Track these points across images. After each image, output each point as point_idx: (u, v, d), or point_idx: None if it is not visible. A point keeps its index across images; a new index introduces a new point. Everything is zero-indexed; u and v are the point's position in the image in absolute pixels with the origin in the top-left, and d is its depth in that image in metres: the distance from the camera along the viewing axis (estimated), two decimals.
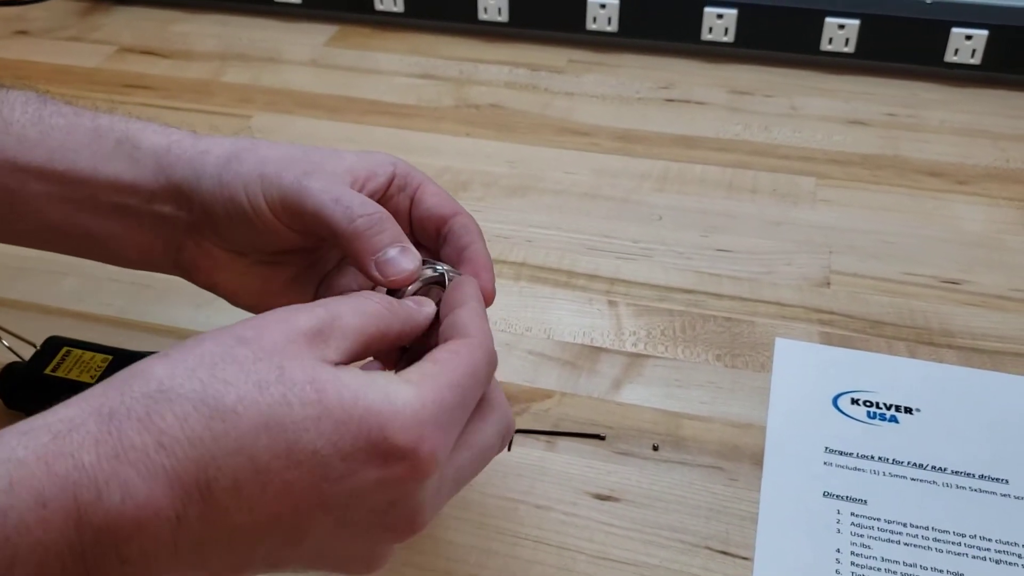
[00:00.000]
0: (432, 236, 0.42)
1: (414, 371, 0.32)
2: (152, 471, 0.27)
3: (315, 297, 0.44)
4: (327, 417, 0.29)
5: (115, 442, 0.27)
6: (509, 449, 0.49)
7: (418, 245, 0.42)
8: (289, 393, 0.29)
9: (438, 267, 0.39)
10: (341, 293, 0.43)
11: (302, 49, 0.90)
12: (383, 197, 0.41)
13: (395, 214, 0.41)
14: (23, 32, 0.93)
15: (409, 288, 0.38)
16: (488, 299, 0.39)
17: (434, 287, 0.39)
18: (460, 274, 0.39)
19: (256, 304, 0.44)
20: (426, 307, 0.37)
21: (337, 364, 0.31)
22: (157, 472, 0.27)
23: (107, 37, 0.91)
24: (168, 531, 0.27)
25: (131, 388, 0.29)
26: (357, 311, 0.33)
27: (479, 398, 0.35)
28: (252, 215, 0.39)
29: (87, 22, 0.94)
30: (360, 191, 0.40)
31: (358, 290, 0.43)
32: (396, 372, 0.32)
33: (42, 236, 0.44)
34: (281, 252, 0.42)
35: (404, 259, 0.37)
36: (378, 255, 0.37)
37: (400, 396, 0.30)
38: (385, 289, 0.38)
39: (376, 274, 0.37)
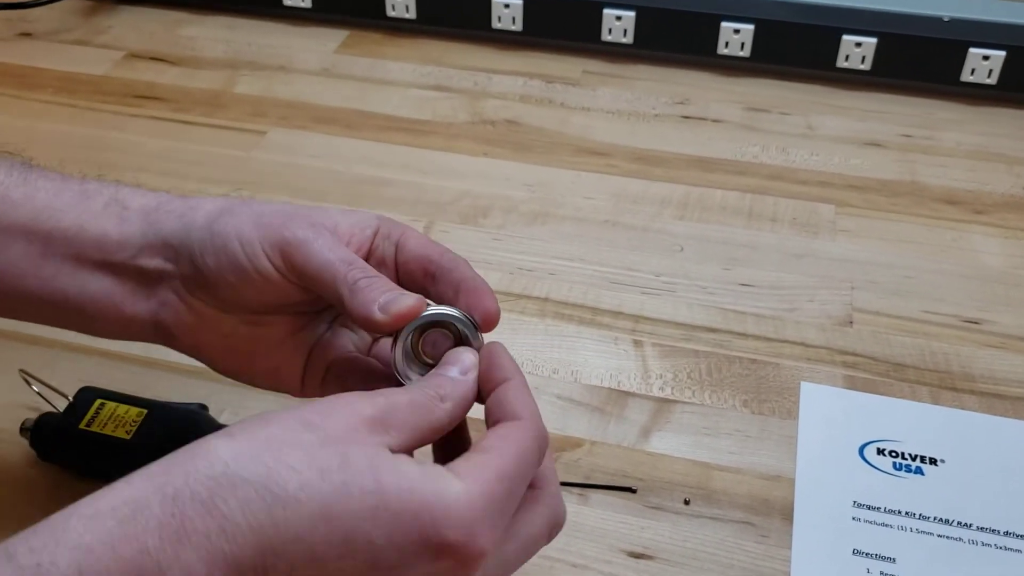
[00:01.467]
0: (419, 277, 0.41)
1: (464, 463, 0.32)
2: (213, 556, 0.28)
3: (307, 363, 0.43)
4: (384, 508, 0.30)
5: (178, 525, 0.28)
6: None
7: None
8: (350, 481, 0.30)
9: (440, 308, 0.39)
10: (339, 358, 0.42)
11: (313, 56, 0.88)
12: (369, 249, 0.41)
13: (381, 262, 0.41)
14: (27, 34, 0.91)
15: (408, 328, 0.37)
16: (494, 321, 0.39)
17: (440, 335, 0.39)
18: (466, 316, 0.39)
19: (240, 368, 0.43)
20: (470, 371, 0.37)
21: (395, 452, 0.32)
22: (217, 558, 0.28)
23: (113, 41, 0.90)
24: None
25: (196, 469, 0.29)
26: (413, 405, 0.34)
27: (529, 482, 0.35)
28: (247, 264, 0.38)
29: (92, 24, 0.92)
30: (347, 245, 0.40)
31: (355, 354, 0.43)
32: (445, 464, 0.33)
33: (16, 304, 0.42)
34: (270, 309, 0.41)
35: (405, 297, 0.37)
36: (380, 299, 0.37)
37: (453, 490, 0.31)
38: (392, 339, 0.38)
39: (380, 317, 0.36)
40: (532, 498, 0.36)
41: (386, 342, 0.42)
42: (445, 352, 0.39)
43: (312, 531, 0.29)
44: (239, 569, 0.28)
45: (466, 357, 0.37)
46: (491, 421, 0.36)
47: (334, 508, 0.29)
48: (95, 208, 0.41)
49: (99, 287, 0.41)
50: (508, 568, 0.35)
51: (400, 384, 0.38)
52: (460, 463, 0.32)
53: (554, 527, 0.36)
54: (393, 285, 0.38)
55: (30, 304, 0.42)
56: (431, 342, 0.39)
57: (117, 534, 0.27)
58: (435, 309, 0.38)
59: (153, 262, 0.41)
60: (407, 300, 0.37)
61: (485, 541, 0.31)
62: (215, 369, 0.43)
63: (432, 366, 0.39)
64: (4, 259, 0.41)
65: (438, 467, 0.32)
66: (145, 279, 0.41)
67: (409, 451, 0.34)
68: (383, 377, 0.41)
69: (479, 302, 0.39)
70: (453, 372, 0.37)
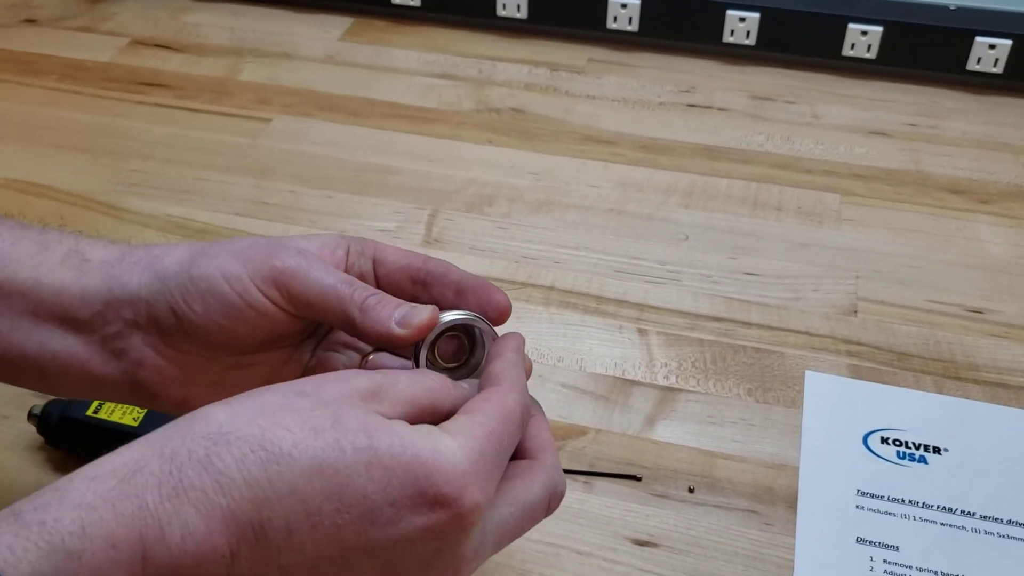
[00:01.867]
0: (407, 287, 0.41)
1: (452, 423, 0.33)
2: (210, 510, 0.29)
3: None
4: (377, 463, 0.30)
5: (176, 482, 0.29)
6: None
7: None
8: (342, 438, 0.30)
9: (458, 313, 0.39)
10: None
11: (318, 43, 0.88)
12: (345, 266, 0.41)
13: (361, 278, 0.41)
14: (31, 21, 0.91)
15: (429, 337, 0.38)
16: (507, 313, 0.40)
17: (453, 338, 0.40)
18: (480, 317, 0.39)
19: None
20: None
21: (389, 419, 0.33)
22: (214, 511, 0.29)
23: (118, 28, 0.90)
24: (223, 568, 0.29)
25: (192, 430, 0.30)
26: (414, 382, 0.35)
27: (516, 444, 0.35)
28: (238, 301, 0.37)
29: (96, 10, 0.92)
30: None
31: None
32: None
33: None
34: (259, 347, 0.40)
35: (420, 309, 0.37)
36: (395, 315, 0.37)
37: (445, 446, 0.31)
38: (413, 356, 0.38)
39: (400, 331, 0.37)
40: (530, 466, 0.36)
41: (379, 358, 0.42)
42: (462, 352, 0.40)
43: (307, 486, 0.29)
44: (236, 523, 0.29)
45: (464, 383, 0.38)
46: (480, 385, 0.37)
47: (327, 463, 0.30)
48: (53, 260, 0.39)
49: (61, 344, 0.39)
50: (507, 532, 0.35)
51: None
52: (448, 424, 0.33)
53: (553, 496, 0.36)
54: (399, 299, 0.38)
55: None
56: (445, 346, 0.40)
57: (117, 492, 0.28)
58: (451, 315, 0.39)
59: (122, 319, 0.39)
60: (424, 311, 0.37)
61: (478, 494, 0.31)
62: None
63: (452, 369, 0.40)
64: None
65: (429, 426, 0.33)
66: (113, 339, 0.39)
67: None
68: None
69: (489, 298, 0.40)
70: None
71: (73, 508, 0.28)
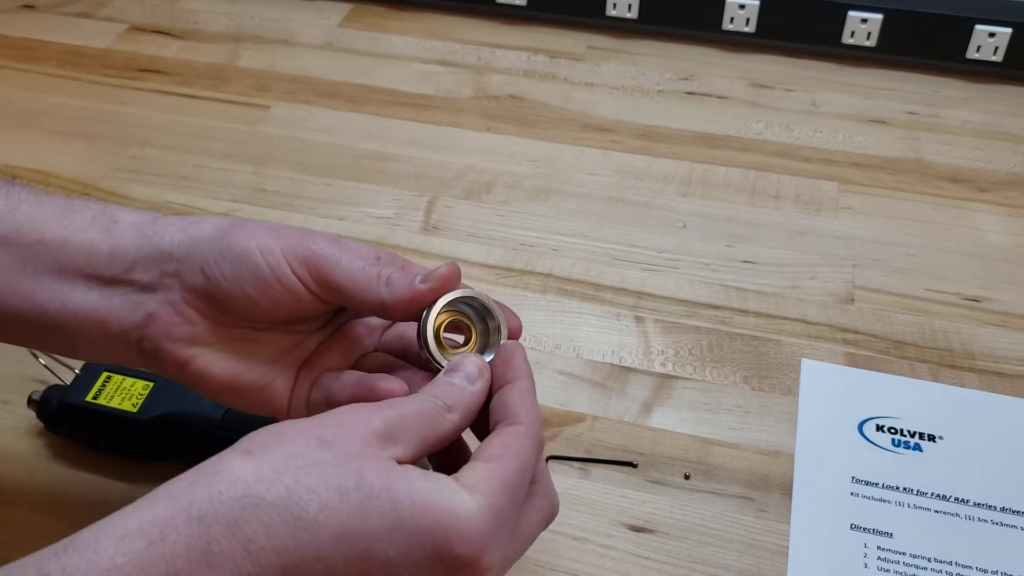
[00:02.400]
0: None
1: (472, 474, 0.34)
2: None
3: (295, 383, 0.42)
4: (400, 528, 0.31)
5: (205, 547, 0.29)
6: None
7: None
8: (367, 503, 0.31)
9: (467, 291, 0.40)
10: (325, 373, 0.42)
11: (316, 30, 0.88)
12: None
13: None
14: (29, 7, 0.91)
15: (437, 306, 0.39)
16: (515, 333, 0.41)
17: (462, 323, 0.40)
18: (491, 300, 0.40)
19: (228, 387, 0.40)
20: (477, 380, 0.37)
21: (403, 463, 0.33)
22: None
23: (116, 14, 0.90)
24: None
25: (219, 490, 0.30)
26: (422, 417, 0.35)
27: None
28: (269, 275, 0.38)
29: None
30: None
31: (344, 369, 0.42)
32: (446, 469, 0.35)
33: None
34: (276, 323, 0.40)
35: (440, 268, 0.39)
36: (418, 276, 0.38)
37: (463, 507, 0.32)
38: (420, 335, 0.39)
39: (423, 286, 0.38)
40: (530, 493, 0.37)
41: (373, 357, 0.42)
42: (466, 339, 0.40)
43: (333, 551, 0.30)
44: None
45: (470, 365, 0.38)
46: (492, 420, 0.37)
47: (353, 529, 0.30)
48: (81, 221, 0.40)
49: (83, 301, 0.39)
50: (510, 561, 0.36)
51: (429, 367, 0.39)
52: (468, 474, 0.34)
53: (549, 519, 0.38)
54: (423, 267, 0.39)
55: (5, 320, 0.40)
56: (453, 328, 0.40)
57: (147, 556, 0.28)
58: (464, 290, 0.39)
59: (149, 274, 0.39)
60: (443, 267, 0.39)
61: (494, 555, 0.32)
62: (199, 389, 0.41)
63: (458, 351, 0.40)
64: None
65: (447, 480, 0.33)
66: (136, 292, 0.39)
67: (416, 460, 0.35)
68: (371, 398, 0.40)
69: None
70: (459, 380, 0.37)
71: (104, 572, 0.28)
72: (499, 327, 0.40)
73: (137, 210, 0.41)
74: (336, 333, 0.43)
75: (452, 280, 0.39)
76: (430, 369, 0.39)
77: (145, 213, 0.41)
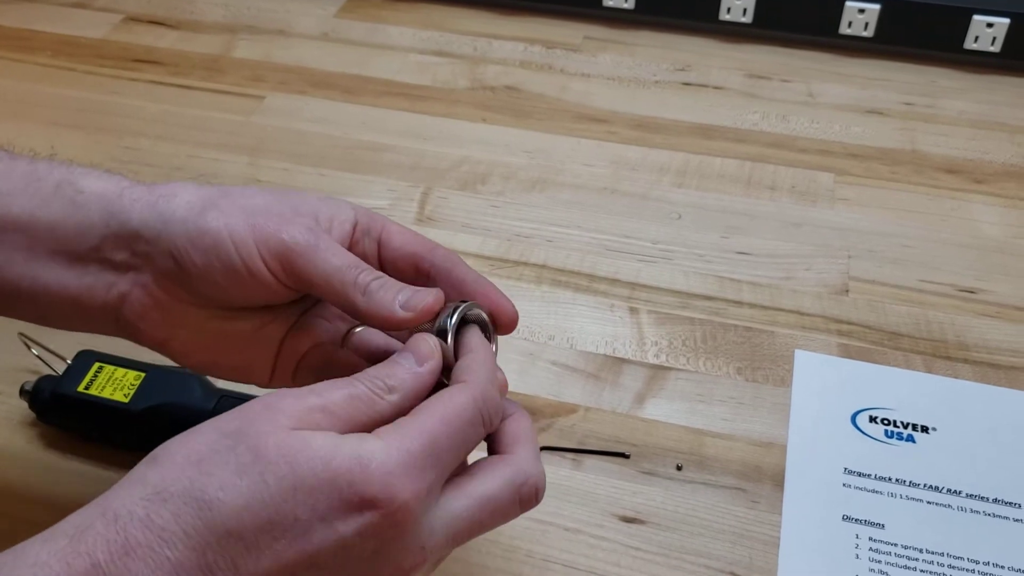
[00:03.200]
0: (410, 275, 0.41)
1: (391, 425, 0.33)
2: (158, 563, 0.30)
3: (278, 356, 0.42)
4: (301, 486, 0.31)
5: (123, 541, 0.30)
6: None
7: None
8: (265, 471, 0.31)
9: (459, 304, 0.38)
10: (312, 351, 0.42)
11: (312, 20, 0.88)
12: (349, 244, 0.40)
13: (363, 258, 0.40)
14: None
15: (455, 318, 0.37)
16: (514, 322, 0.40)
17: (469, 327, 0.39)
18: (475, 306, 0.39)
19: (209, 362, 0.42)
20: (428, 360, 0.36)
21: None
22: (163, 563, 0.30)
23: (111, 4, 0.89)
24: None
25: (130, 494, 0.31)
26: (351, 400, 0.34)
27: (471, 442, 0.35)
28: (240, 266, 0.37)
29: None
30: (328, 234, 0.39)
31: (329, 347, 0.42)
32: None
33: None
34: (249, 307, 0.40)
35: (423, 292, 0.37)
36: (398, 298, 0.37)
37: (366, 451, 0.32)
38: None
39: (403, 314, 0.37)
40: (493, 461, 0.36)
41: (364, 334, 0.42)
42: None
43: (239, 524, 0.30)
44: (184, 571, 0.30)
45: (423, 346, 0.36)
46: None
47: (254, 499, 0.31)
48: (45, 192, 0.39)
49: (54, 279, 0.39)
50: (463, 526, 0.34)
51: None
52: (385, 426, 0.33)
53: (523, 490, 0.36)
54: (402, 283, 0.38)
55: None
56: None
57: (69, 551, 0.30)
58: (463, 306, 0.38)
59: (118, 253, 0.39)
60: (427, 295, 0.37)
61: (405, 492, 0.31)
62: (182, 364, 0.42)
63: None
64: None
65: (358, 434, 0.32)
66: (107, 271, 0.39)
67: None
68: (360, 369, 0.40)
69: (494, 304, 0.39)
70: (407, 362, 0.36)
71: (29, 567, 0.29)
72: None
73: (102, 174, 0.40)
74: (316, 307, 0.42)
75: (431, 313, 0.37)
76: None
77: (111, 180, 0.40)
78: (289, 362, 0.42)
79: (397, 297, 0.37)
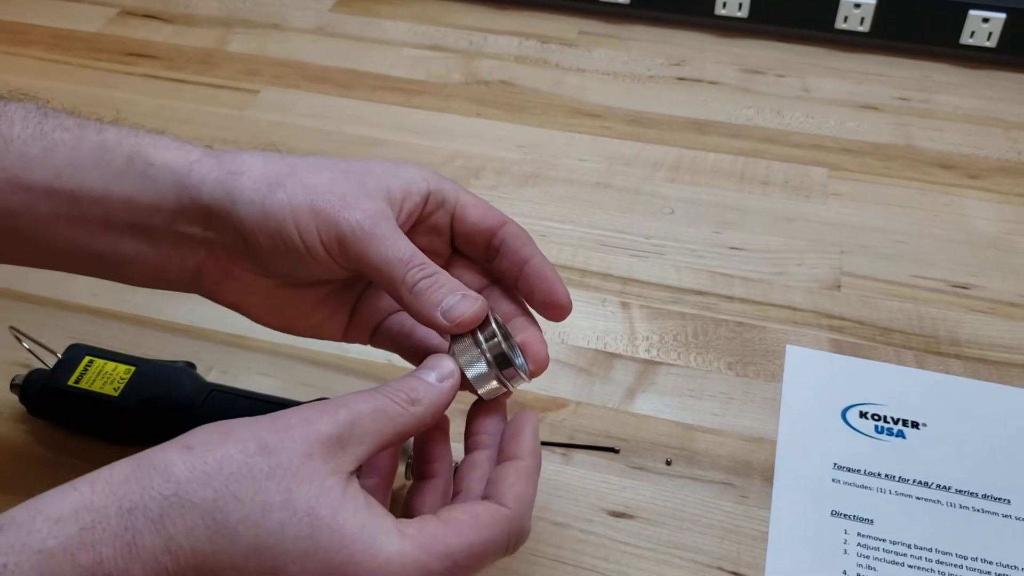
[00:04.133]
0: (480, 249, 0.42)
1: (416, 525, 0.33)
2: (156, 571, 0.30)
3: (352, 318, 0.44)
4: (313, 555, 0.31)
5: (130, 539, 0.30)
6: None
7: (461, 258, 0.43)
8: (287, 522, 0.31)
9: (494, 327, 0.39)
10: (395, 325, 0.43)
11: (307, 14, 0.88)
12: (421, 215, 0.41)
13: (434, 230, 0.42)
14: None
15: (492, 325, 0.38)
16: (564, 312, 0.41)
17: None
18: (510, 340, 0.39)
19: (283, 325, 0.44)
20: (447, 379, 0.37)
21: (350, 474, 0.33)
22: (160, 573, 0.30)
23: None
24: None
25: (151, 484, 0.31)
26: (378, 413, 0.34)
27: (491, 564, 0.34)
28: (303, 250, 0.38)
29: None
30: (399, 214, 0.39)
31: (411, 327, 0.43)
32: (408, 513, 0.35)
33: (49, 259, 0.42)
34: (316, 282, 0.42)
35: (466, 301, 0.37)
36: (442, 304, 0.37)
37: (384, 550, 0.32)
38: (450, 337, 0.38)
39: (443, 322, 0.37)
40: (493, 515, 0.35)
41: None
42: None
43: (245, 562, 0.31)
44: None
45: (445, 364, 0.37)
46: (485, 492, 0.36)
47: (268, 546, 0.31)
48: (117, 165, 0.39)
49: (133, 249, 0.40)
50: None
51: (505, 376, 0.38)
52: (413, 524, 0.33)
53: (509, 547, 0.35)
54: (452, 281, 0.38)
55: (65, 260, 0.41)
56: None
57: (77, 541, 0.30)
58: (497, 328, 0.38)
59: (191, 229, 0.40)
60: (470, 306, 0.37)
61: None
62: (257, 322, 0.43)
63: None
64: (33, 219, 0.39)
65: (384, 519, 0.33)
66: (181, 243, 0.40)
67: (370, 457, 0.34)
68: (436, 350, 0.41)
69: (550, 296, 0.40)
70: (430, 377, 0.37)
71: (35, 554, 0.29)
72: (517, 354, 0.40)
73: (171, 143, 0.40)
74: None
75: (473, 324, 0.37)
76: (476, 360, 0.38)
77: (180, 150, 0.40)
78: (365, 324, 0.44)
79: (441, 303, 0.37)
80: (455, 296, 0.37)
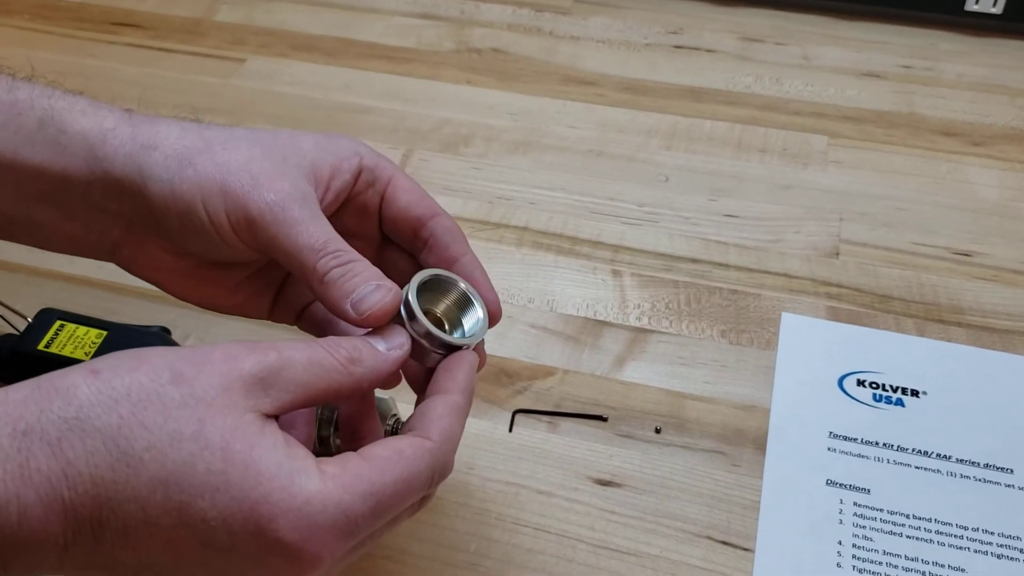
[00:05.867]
0: (408, 238, 0.39)
1: (338, 461, 0.31)
2: (51, 499, 0.28)
3: (278, 297, 0.41)
4: (225, 491, 0.29)
5: (23, 461, 0.27)
6: (511, 430, 0.49)
7: (393, 245, 0.40)
8: (197, 454, 0.28)
9: (438, 272, 0.37)
10: (318, 311, 0.41)
11: None
12: (350, 195, 0.38)
13: (363, 212, 0.39)
14: None
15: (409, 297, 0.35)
16: (495, 318, 0.38)
17: (448, 300, 0.37)
18: (457, 279, 0.37)
19: (205, 303, 0.41)
20: (395, 350, 0.34)
21: (268, 416, 0.30)
22: (55, 501, 0.28)
23: None
24: (55, 554, 0.28)
25: (51, 407, 0.28)
26: (311, 364, 0.32)
27: (408, 504, 0.32)
28: (212, 232, 0.35)
29: None
30: (325, 193, 0.37)
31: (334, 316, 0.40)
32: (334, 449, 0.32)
33: None
34: (234, 263, 0.39)
35: (377, 293, 0.34)
36: (352, 295, 0.34)
37: (304, 490, 0.29)
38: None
39: (353, 314, 0.34)
40: (418, 450, 0.32)
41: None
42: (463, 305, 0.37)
43: (150, 495, 0.28)
44: (75, 515, 0.28)
45: (398, 337, 0.34)
46: (407, 426, 0.34)
47: (175, 478, 0.28)
48: (28, 128, 0.37)
49: (45, 217, 0.38)
50: (366, 532, 0.31)
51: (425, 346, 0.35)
52: (334, 461, 0.31)
53: (431, 484, 0.33)
54: (370, 270, 0.35)
55: None
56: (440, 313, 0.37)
57: None
58: (424, 274, 0.36)
59: (104, 203, 0.37)
60: (380, 298, 0.34)
61: (323, 550, 0.29)
62: (178, 298, 0.41)
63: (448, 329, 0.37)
64: None
65: (304, 459, 0.30)
66: (96, 216, 0.38)
67: (296, 409, 0.32)
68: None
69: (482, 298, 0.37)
70: (379, 344, 0.34)
71: None
72: (477, 312, 0.37)
73: (86, 107, 0.37)
74: None
75: (384, 319, 0.34)
76: (425, 352, 0.35)
77: (96, 116, 0.37)
78: (290, 307, 0.41)
79: (351, 295, 0.34)
80: (368, 286, 0.34)
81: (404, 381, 0.40)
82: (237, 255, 0.37)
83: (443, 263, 0.38)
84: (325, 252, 0.34)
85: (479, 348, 0.37)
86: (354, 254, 0.35)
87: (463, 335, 0.37)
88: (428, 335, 0.35)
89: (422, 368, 0.37)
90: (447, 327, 0.37)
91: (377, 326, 0.34)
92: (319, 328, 0.41)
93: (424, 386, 0.36)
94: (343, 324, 0.40)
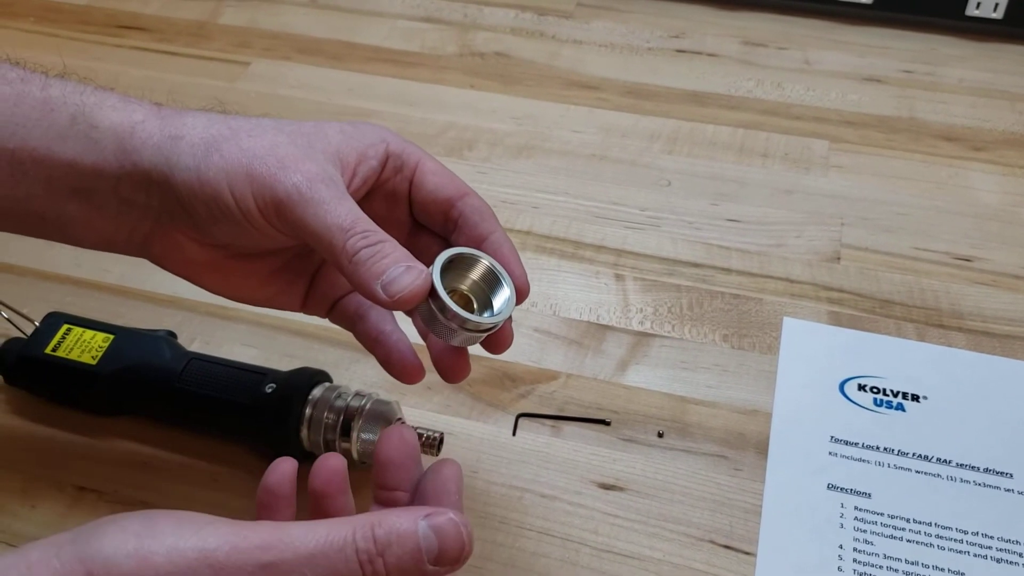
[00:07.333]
0: (438, 220, 0.40)
1: (230, 523, 0.30)
2: None
3: (310, 289, 0.42)
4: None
5: None
6: (514, 434, 0.49)
7: (425, 230, 0.41)
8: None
9: (463, 251, 0.37)
10: (351, 304, 0.42)
11: None
12: (378, 181, 0.39)
13: (393, 198, 0.39)
14: None
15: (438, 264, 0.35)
16: (523, 295, 0.38)
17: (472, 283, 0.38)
18: (481, 256, 0.37)
19: (237, 295, 0.41)
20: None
21: None
22: None
23: None
24: None
25: None
26: (315, 560, 0.30)
27: None
28: (240, 217, 0.36)
29: None
30: (352, 179, 0.37)
31: (367, 309, 0.42)
32: None
33: None
34: (263, 253, 0.40)
35: (407, 275, 0.34)
36: (383, 277, 0.34)
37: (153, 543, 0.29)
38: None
39: (383, 296, 0.34)
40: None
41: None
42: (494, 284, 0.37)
43: None
44: None
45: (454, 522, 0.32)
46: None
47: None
48: (60, 124, 0.37)
49: (77, 211, 0.38)
50: None
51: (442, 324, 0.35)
52: (225, 520, 0.30)
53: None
54: (399, 251, 0.35)
55: (6, 219, 0.39)
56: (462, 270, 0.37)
57: None
58: (451, 252, 0.36)
59: (134, 196, 0.38)
60: (411, 280, 0.34)
61: None
62: (211, 292, 0.41)
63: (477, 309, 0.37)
64: None
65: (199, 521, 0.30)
66: (126, 209, 0.38)
67: None
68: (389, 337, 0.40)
69: (510, 275, 0.38)
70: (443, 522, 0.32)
71: None
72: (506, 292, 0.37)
73: (117, 103, 0.38)
74: None
75: (415, 301, 0.34)
76: (441, 327, 0.35)
77: (126, 110, 0.38)
78: (323, 298, 0.42)
79: (383, 275, 0.34)
80: (398, 267, 0.34)
81: (401, 381, 0.41)
82: (266, 242, 0.37)
83: (473, 241, 0.38)
84: (354, 232, 0.35)
85: (506, 324, 0.38)
86: (383, 234, 0.35)
87: (491, 314, 0.37)
88: (454, 315, 0.35)
89: (446, 345, 0.37)
90: (475, 305, 0.37)
91: (407, 308, 0.35)
92: (350, 322, 0.42)
93: (447, 367, 0.37)
94: (373, 317, 0.41)
